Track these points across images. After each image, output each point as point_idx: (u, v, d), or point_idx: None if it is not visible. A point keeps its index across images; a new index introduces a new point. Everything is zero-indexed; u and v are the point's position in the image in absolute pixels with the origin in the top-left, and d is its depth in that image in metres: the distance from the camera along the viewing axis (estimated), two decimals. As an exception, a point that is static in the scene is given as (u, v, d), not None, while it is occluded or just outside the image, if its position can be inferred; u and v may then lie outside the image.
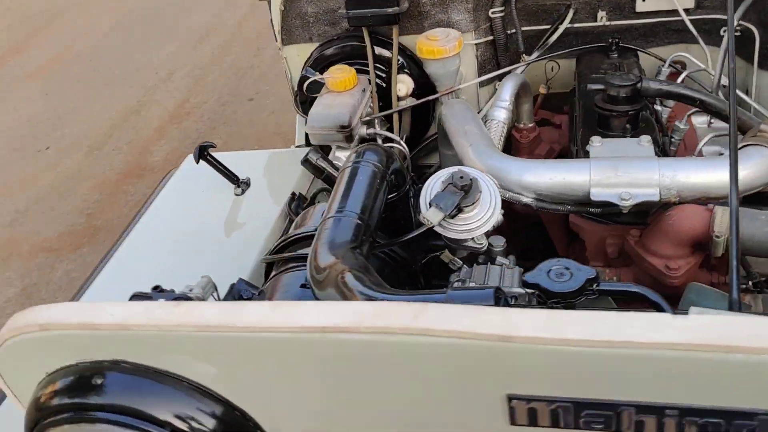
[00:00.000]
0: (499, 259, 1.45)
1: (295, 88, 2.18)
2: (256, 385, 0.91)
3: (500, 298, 0.93)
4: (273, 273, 1.47)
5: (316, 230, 1.44)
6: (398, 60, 1.95)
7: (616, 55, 1.92)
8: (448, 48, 1.83)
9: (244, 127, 4.85)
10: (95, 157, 4.81)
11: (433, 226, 1.29)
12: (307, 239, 1.47)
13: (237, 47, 5.85)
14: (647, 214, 1.46)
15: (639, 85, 1.53)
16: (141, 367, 0.91)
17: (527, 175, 1.42)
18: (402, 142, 1.88)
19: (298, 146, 2.10)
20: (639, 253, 1.43)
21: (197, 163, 1.86)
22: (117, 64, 5.91)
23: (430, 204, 1.30)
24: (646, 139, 1.44)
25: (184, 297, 1.06)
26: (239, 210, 1.88)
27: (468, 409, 0.85)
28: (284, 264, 1.45)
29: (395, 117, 1.94)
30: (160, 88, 5.47)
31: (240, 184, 1.92)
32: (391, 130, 1.97)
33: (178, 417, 0.90)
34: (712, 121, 1.72)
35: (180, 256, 1.74)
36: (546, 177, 1.41)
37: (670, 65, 1.90)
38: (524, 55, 1.97)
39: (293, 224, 1.63)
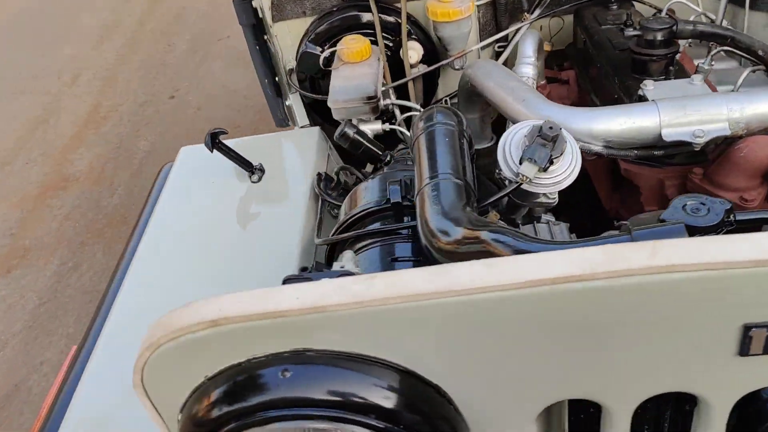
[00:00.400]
0: (544, 216, 1.43)
1: (287, 67, 2.06)
2: (462, 358, 0.83)
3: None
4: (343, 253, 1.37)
5: (381, 205, 1.37)
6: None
7: (615, 7, 1.94)
8: (462, 9, 1.78)
9: (171, 126, 4.60)
10: (7, 173, 4.42)
11: (528, 181, 1.25)
12: (372, 215, 1.39)
13: (144, 45, 5.54)
14: (702, 153, 1.48)
15: (674, 27, 1.55)
16: (327, 353, 0.82)
17: (596, 123, 1.40)
18: (421, 110, 1.81)
19: (302, 126, 1.98)
20: (708, 189, 1.45)
21: (211, 151, 1.72)
22: (11, 71, 5.44)
23: (521, 159, 1.25)
24: (698, 78, 1.46)
25: (348, 273, 0.95)
26: (262, 197, 1.75)
27: (694, 345, 0.82)
28: (357, 242, 1.36)
29: (409, 85, 1.88)
30: (66, 94, 5.09)
31: (255, 170, 1.79)
32: (402, 98, 1.90)
33: (379, 403, 0.81)
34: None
35: (213, 253, 1.60)
36: (616, 123, 1.40)
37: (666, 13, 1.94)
38: (526, 13, 1.96)
39: (344, 204, 1.53)
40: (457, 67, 1.92)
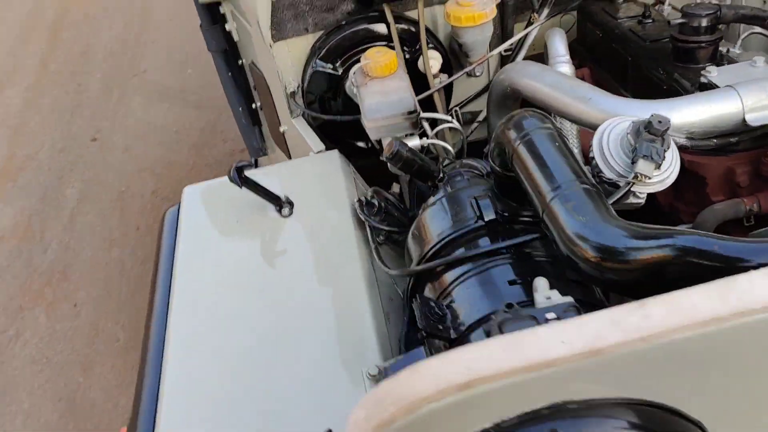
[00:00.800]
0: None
1: (288, 89, 1.90)
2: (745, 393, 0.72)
3: None
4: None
5: (467, 229, 1.25)
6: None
7: (621, 1, 1.91)
8: (487, 12, 1.69)
9: (99, 170, 4.27)
10: None
11: (646, 181, 1.16)
12: (459, 239, 1.27)
13: (52, 87, 5.14)
14: (765, 137, 1.45)
15: (719, 12, 1.52)
16: (594, 403, 0.69)
17: (676, 114, 1.34)
18: (455, 122, 1.71)
19: (318, 152, 1.82)
20: None
21: (241, 187, 1.54)
22: None
23: (634, 158, 1.16)
24: (761, 60, 1.43)
25: (575, 306, 0.81)
26: (301, 232, 1.58)
27: None
28: (449, 270, 1.23)
29: (435, 96, 1.76)
30: (-28, 148, 4.63)
31: (283, 204, 1.62)
32: (427, 110, 1.78)
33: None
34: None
35: (266, 303, 1.41)
36: (697, 113, 1.34)
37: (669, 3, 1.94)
38: (535, 13, 1.89)
39: (411, 232, 1.39)
40: (478, 74, 1.82)
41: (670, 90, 1.56)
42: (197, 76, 4.77)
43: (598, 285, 1.12)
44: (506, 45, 1.81)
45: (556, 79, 1.51)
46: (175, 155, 4.35)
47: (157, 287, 1.59)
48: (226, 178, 1.78)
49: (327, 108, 1.88)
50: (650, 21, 1.79)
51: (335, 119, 1.79)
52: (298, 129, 1.94)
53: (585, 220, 1.00)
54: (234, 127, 2.90)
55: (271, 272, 1.50)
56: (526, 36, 1.87)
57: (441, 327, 1.14)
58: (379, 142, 1.77)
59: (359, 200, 1.60)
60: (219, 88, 2.61)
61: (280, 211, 1.63)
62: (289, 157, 2.26)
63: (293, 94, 1.92)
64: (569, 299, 0.86)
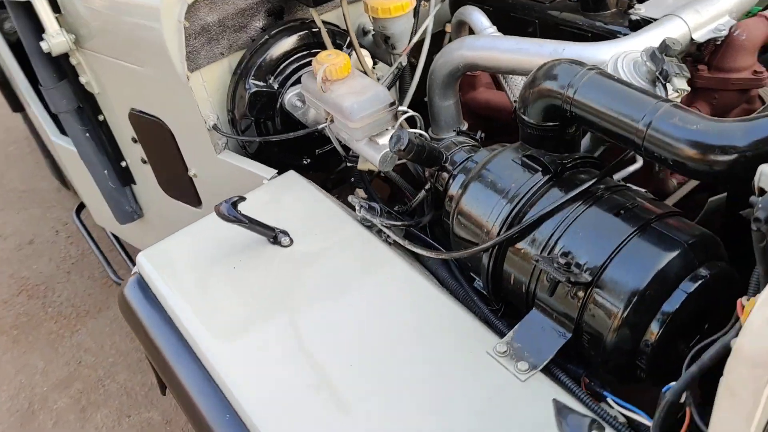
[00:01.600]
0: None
1: (209, 122, 1.73)
2: None
3: None
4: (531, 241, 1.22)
5: (538, 184, 1.27)
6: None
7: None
8: (407, 1, 1.71)
9: None
10: None
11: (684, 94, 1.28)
12: (533, 196, 1.27)
13: None
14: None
15: (614, -38, 1.73)
16: None
17: (642, 45, 1.47)
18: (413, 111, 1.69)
19: (272, 178, 1.68)
20: (719, 77, 1.61)
21: (237, 223, 1.39)
22: None
23: (666, 77, 1.28)
24: (671, -8, 1.65)
25: None
26: (317, 252, 1.46)
27: None
28: (541, 224, 1.23)
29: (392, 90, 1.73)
30: None
31: (278, 233, 1.48)
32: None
33: None
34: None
35: (343, 327, 1.29)
36: (655, 42, 1.50)
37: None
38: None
39: (457, 220, 1.35)
40: (404, 63, 1.83)
41: (596, 37, 1.71)
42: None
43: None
44: (424, 27, 1.83)
45: (513, 43, 1.58)
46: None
47: (174, 364, 1.35)
48: (180, 234, 1.59)
49: (265, 130, 1.75)
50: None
51: (289, 137, 1.67)
52: (231, 162, 1.77)
53: (699, 127, 1.08)
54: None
55: (319, 299, 1.36)
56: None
57: (574, 274, 1.14)
58: (346, 148, 1.70)
59: (361, 206, 1.52)
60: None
61: (277, 242, 1.48)
62: (198, 204, 2.05)
63: (216, 127, 1.75)
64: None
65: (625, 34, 1.66)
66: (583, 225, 1.20)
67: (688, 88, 1.28)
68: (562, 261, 1.15)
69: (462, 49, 1.65)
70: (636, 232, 1.16)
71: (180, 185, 2.03)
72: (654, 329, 1.12)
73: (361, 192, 1.73)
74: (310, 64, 1.71)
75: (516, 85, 1.74)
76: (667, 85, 1.29)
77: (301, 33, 1.71)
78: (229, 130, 1.79)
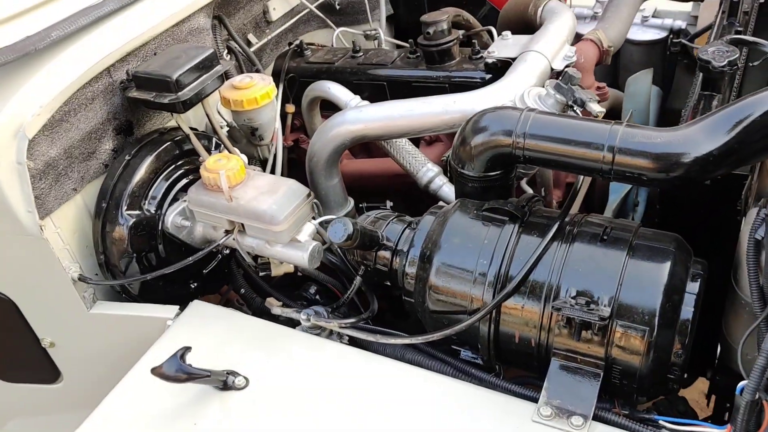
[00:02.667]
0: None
1: (73, 274, 1.43)
2: None
3: None
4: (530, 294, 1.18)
5: (510, 235, 1.25)
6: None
7: (309, 53, 2.02)
8: (271, 87, 1.59)
9: None
10: None
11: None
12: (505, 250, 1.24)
13: None
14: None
15: (450, 17, 1.79)
16: None
17: (522, 83, 1.54)
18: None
19: (177, 316, 1.42)
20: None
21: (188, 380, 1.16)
22: None
23: (581, 104, 1.33)
24: (507, 34, 1.74)
25: None
26: (283, 382, 1.25)
27: None
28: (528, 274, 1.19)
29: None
30: None
31: (227, 377, 1.25)
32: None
33: None
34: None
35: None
36: (530, 76, 1.57)
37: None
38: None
39: (431, 297, 1.26)
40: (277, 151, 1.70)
41: (455, 86, 1.74)
42: None
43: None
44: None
45: (400, 106, 1.55)
46: None
47: None
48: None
49: (148, 264, 1.48)
50: (361, 54, 1.94)
51: (188, 262, 1.43)
52: (112, 313, 1.48)
53: (662, 140, 1.13)
54: None
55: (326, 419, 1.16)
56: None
57: (597, 311, 1.12)
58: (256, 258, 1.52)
59: (308, 315, 1.36)
60: None
61: (228, 386, 1.25)
62: (54, 379, 1.68)
63: (82, 277, 1.44)
64: None
65: (483, 78, 1.73)
66: (577, 262, 1.19)
67: (604, 110, 1.35)
68: (582, 301, 1.13)
69: (345, 124, 1.57)
70: (628, 254, 1.17)
71: (24, 364, 1.64)
72: (679, 338, 1.13)
73: (273, 300, 1.56)
74: (186, 177, 1.52)
75: (400, 147, 1.70)
76: (584, 109, 1.35)
77: (164, 145, 1.49)
78: (100, 277, 1.49)
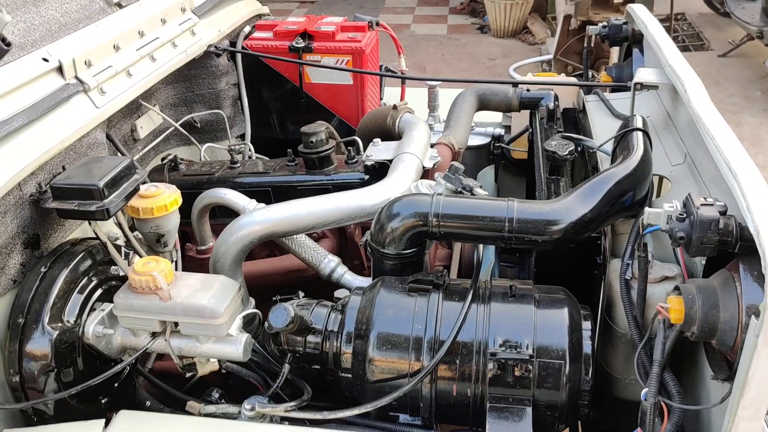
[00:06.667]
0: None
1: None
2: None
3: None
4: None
5: (437, 299, 1.44)
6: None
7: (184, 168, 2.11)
8: (178, 194, 1.65)
9: None
10: None
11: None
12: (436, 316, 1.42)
13: None
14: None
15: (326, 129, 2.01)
16: None
17: (408, 176, 1.77)
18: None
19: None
20: None
21: None
22: None
23: (470, 190, 1.59)
24: (378, 140, 1.99)
25: None
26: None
27: None
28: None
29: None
30: None
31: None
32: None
33: None
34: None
35: None
36: (411, 175, 1.81)
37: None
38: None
39: (370, 369, 1.37)
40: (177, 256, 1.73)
41: (338, 187, 1.93)
42: None
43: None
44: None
45: (304, 204, 1.70)
46: None
47: None
48: None
49: (66, 379, 1.42)
50: (238, 164, 2.08)
51: (126, 364, 1.41)
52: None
53: (548, 209, 1.41)
54: None
55: None
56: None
57: (521, 354, 1.33)
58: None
59: (252, 405, 1.41)
60: None
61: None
62: None
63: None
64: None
65: (361, 179, 1.95)
66: (498, 316, 1.40)
67: (487, 193, 1.62)
68: (510, 346, 1.33)
69: (252, 225, 1.69)
70: (535, 305, 1.41)
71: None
72: (585, 368, 1.37)
73: (194, 402, 1.57)
74: (102, 285, 1.51)
75: (301, 242, 1.83)
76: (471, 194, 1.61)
77: (79, 256, 1.47)
78: (10, 399, 1.40)
